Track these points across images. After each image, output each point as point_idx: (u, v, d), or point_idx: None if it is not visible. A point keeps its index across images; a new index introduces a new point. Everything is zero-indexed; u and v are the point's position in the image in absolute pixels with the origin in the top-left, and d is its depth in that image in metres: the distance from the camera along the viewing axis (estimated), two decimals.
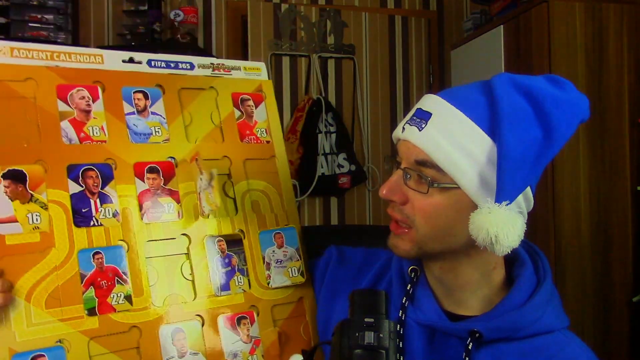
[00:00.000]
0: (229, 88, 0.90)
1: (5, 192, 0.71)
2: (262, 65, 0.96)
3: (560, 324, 0.74)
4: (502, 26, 2.26)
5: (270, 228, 0.89)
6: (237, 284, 0.84)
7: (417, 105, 0.74)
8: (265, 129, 0.93)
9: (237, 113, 0.90)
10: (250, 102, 0.92)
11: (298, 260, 0.90)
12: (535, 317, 0.71)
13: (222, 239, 0.85)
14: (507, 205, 0.66)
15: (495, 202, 0.66)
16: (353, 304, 0.69)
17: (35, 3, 2.39)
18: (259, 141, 0.92)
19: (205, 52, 2.81)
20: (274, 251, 0.89)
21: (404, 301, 0.78)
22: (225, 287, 0.83)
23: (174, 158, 0.83)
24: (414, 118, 0.72)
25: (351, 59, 2.91)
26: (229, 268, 0.84)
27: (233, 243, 0.86)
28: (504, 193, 0.66)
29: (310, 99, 2.79)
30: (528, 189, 0.71)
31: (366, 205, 2.96)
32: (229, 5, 2.88)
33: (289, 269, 0.89)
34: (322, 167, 2.76)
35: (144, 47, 2.61)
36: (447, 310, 0.77)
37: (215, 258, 0.83)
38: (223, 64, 0.92)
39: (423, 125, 0.70)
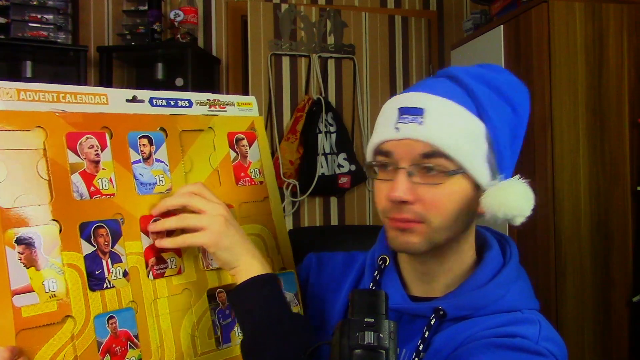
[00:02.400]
0: (226, 127, 0.89)
1: (20, 259, 0.66)
2: (252, 99, 0.96)
3: (527, 305, 0.75)
4: (502, 26, 2.26)
5: None
6: (237, 334, 0.82)
7: (398, 106, 0.74)
8: (259, 170, 0.92)
9: (233, 154, 0.89)
10: (245, 142, 0.91)
11: (297, 305, 0.88)
12: (498, 295, 0.73)
13: (222, 289, 0.83)
14: (515, 178, 0.72)
15: (504, 177, 0.72)
16: (353, 304, 0.68)
17: (35, 3, 2.39)
18: (253, 182, 0.90)
19: (205, 51, 2.81)
20: None
21: (370, 287, 0.81)
22: (227, 339, 0.81)
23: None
24: (405, 117, 0.72)
25: (351, 59, 2.91)
26: (230, 320, 0.82)
27: None
28: (507, 167, 0.72)
29: (310, 99, 2.79)
30: None
31: (366, 205, 2.96)
32: (229, 5, 2.88)
33: None
34: (322, 167, 2.76)
35: (144, 47, 2.62)
36: (413, 295, 0.79)
37: (216, 310, 0.82)
38: (218, 100, 0.91)
39: (420, 120, 0.71)
